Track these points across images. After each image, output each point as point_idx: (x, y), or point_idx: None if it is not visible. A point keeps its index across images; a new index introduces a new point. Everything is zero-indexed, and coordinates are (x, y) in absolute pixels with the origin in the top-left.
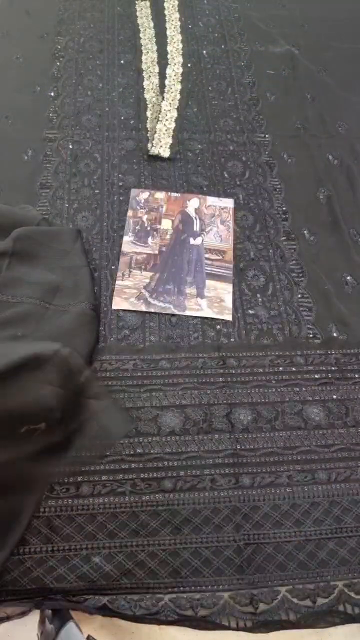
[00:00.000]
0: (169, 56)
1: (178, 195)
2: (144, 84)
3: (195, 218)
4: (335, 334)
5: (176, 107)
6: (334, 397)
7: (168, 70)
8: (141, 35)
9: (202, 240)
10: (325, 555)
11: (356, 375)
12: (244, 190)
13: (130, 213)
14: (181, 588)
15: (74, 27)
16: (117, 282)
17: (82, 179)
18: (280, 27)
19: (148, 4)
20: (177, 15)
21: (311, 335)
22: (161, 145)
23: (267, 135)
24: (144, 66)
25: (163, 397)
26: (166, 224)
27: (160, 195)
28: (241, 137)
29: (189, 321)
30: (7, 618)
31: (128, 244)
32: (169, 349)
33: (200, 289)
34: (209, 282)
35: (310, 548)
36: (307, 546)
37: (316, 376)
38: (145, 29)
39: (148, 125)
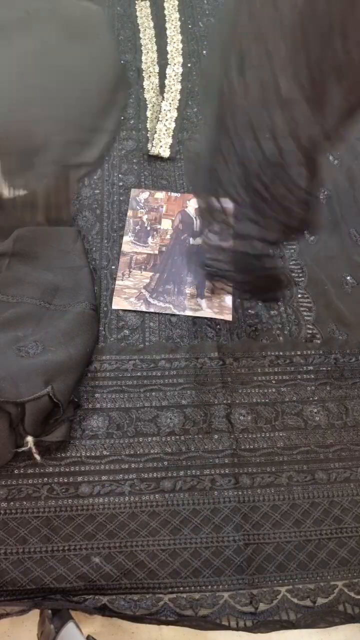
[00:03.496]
0: (169, 56)
1: (178, 195)
2: (144, 84)
3: (195, 218)
4: (335, 334)
5: (176, 107)
6: (334, 397)
7: (168, 70)
8: (141, 35)
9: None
10: (325, 556)
11: (356, 375)
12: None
13: (130, 213)
14: (181, 588)
15: None
16: (117, 282)
17: (82, 179)
18: None
19: (148, 4)
20: (177, 15)
21: (311, 336)
22: (161, 145)
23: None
24: (144, 66)
25: (163, 397)
26: (166, 224)
27: (160, 195)
28: None
29: (189, 321)
30: (7, 615)
31: (128, 244)
32: (169, 349)
33: (200, 289)
34: (209, 282)
35: (310, 548)
36: (307, 546)
37: (316, 376)
38: (145, 29)
39: (148, 125)
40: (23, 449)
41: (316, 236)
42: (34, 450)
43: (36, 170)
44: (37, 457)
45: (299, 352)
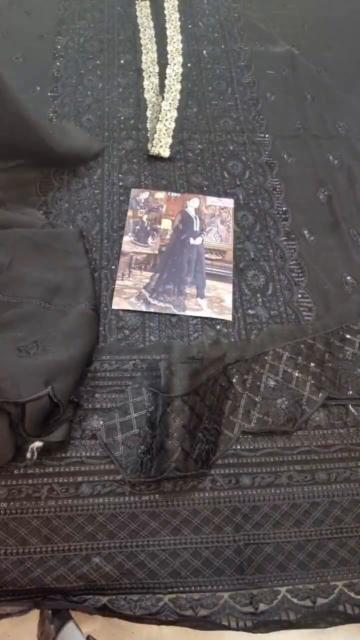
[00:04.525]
0: (169, 56)
1: (178, 195)
2: (144, 84)
3: (195, 218)
4: None
5: (176, 107)
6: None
7: (168, 70)
8: (141, 35)
9: (202, 240)
10: (325, 555)
11: None
12: (244, 190)
13: (130, 213)
14: (181, 588)
15: (74, 27)
16: (117, 282)
17: (82, 179)
18: (280, 27)
19: (148, 4)
20: (177, 15)
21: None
22: (161, 145)
23: (267, 135)
24: (144, 66)
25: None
26: (166, 224)
27: (160, 195)
28: (241, 137)
29: (189, 321)
30: (7, 615)
31: (128, 244)
32: (169, 348)
33: (200, 289)
34: (209, 282)
35: (310, 548)
36: (307, 546)
37: None
38: (145, 29)
39: (148, 125)
40: (28, 456)
41: (316, 236)
42: (29, 455)
43: None
44: (28, 455)
45: None
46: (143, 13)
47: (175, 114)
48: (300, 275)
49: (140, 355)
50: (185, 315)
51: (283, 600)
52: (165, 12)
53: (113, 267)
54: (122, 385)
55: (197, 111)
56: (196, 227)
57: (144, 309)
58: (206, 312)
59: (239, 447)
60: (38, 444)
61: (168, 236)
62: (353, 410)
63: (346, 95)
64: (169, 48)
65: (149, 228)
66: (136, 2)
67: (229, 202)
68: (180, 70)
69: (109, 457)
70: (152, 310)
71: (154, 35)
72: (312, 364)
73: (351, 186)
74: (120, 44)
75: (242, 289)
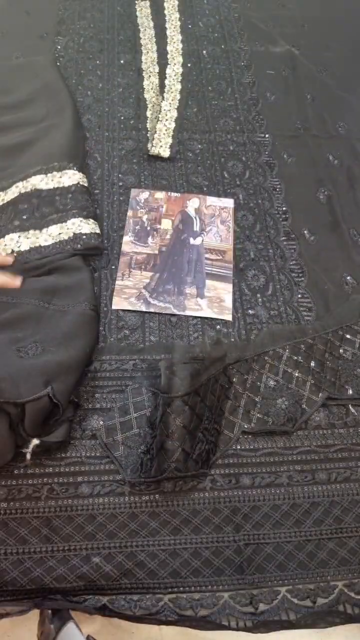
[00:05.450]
0: (169, 56)
1: (178, 195)
2: (144, 84)
3: (195, 218)
4: None
5: (176, 107)
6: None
7: (168, 70)
8: (141, 35)
9: (202, 240)
10: (325, 555)
11: None
12: (244, 190)
13: (130, 213)
14: (181, 588)
15: (74, 27)
16: (117, 282)
17: None
18: (280, 27)
19: (148, 4)
20: (177, 15)
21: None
22: (161, 145)
23: (267, 135)
24: (144, 66)
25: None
26: (166, 224)
27: (160, 195)
28: (241, 137)
29: (189, 321)
30: (7, 615)
31: (128, 244)
32: (169, 348)
33: (200, 289)
34: (209, 282)
35: (310, 548)
36: (307, 546)
37: None
38: (145, 29)
39: (148, 125)
40: (24, 450)
41: (316, 236)
42: (28, 456)
43: None
44: (28, 456)
45: None
46: (143, 13)
47: (175, 114)
48: (300, 275)
49: (140, 355)
50: (185, 315)
51: (283, 600)
52: (165, 12)
53: (113, 267)
54: (122, 385)
55: (197, 111)
56: (196, 227)
57: (144, 309)
58: (206, 312)
59: (239, 447)
60: (36, 441)
61: (168, 236)
62: (353, 410)
63: (346, 95)
64: (169, 48)
65: (149, 228)
66: (136, 2)
67: (229, 202)
68: (180, 70)
69: (109, 457)
70: (152, 310)
71: (154, 35)
72: (312, 364)
73: (351, 186)
74: (120, 44)
75: (242, 289)
